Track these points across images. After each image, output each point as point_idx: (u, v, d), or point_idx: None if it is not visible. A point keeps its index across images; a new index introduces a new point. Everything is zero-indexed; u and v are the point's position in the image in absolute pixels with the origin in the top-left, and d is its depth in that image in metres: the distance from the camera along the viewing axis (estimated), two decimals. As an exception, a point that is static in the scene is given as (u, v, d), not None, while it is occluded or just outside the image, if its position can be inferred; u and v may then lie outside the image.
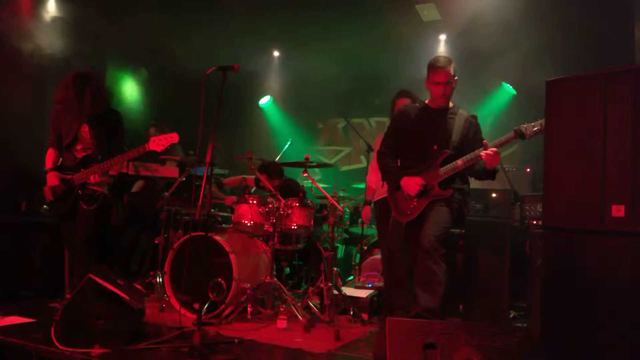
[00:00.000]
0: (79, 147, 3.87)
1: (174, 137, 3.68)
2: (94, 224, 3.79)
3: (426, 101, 3.58)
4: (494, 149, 3.15)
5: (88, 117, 3.85)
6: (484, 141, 3.21)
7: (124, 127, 4.03)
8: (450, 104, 3.52)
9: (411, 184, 3.34)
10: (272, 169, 5.04)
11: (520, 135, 3.08)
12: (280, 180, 5.09)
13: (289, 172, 6.47)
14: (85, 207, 3.78)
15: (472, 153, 3.25)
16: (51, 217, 3.90)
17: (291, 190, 4.87)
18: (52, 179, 3.83)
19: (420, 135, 3.48)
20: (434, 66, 3.41)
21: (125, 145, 3.93)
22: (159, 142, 3.67)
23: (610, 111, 2.64)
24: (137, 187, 5.55)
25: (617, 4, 5.27)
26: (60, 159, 3.96)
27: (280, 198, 4.32)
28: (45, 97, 5.61)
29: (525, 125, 3.04)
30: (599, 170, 2.64)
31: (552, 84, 2.88)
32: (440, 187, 3.30)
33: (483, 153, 3.17)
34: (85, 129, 3.86)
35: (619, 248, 2.54)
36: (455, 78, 3.45)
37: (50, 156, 3.94)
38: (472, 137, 3.42)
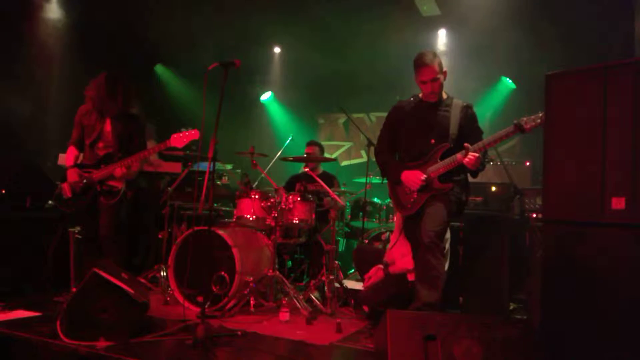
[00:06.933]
0: (100, 145, 3.95)
1: (195, 134, 3.73)
2: (116, 218, 3.88)
3: (420, 95, 3.53)
4: (475, 154, 3.11)
5: (112, 117, 3.93)
6: (465, 144, 3.15)
7: (145, 128, 4.12)
8: (444, 96, 3.48)
9: (412, 179, 3.33)
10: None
11: (519, 128, 3.03)
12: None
13: (290, 166, 6.51)
14: (105, 202, 3.86)
15: (461, 152, 3.19)
16: (70, 211, 3.96)
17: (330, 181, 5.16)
18: (73, 175, 3.91)
19: (416, 130, 3.44)
20: (417, 65, 3.36)
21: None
22: (180, 139, 3.73)
23: (610, 104, 2.64)
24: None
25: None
26: (81, 157, 4.02)
27: (283, 193, 4.35)
28: (49, 95, 5.66)
29: (524, 119, 2.99)
30: (599, 163, 2.64)
31: (552, 77, 2.88)
32: (440, 180, 3.30)
33: (465, 159, 3.13)
34: (107, 128, 3.94)
35: (619, 240, 2.55)
36: (444, 70, 3.40)
37: (70, 154, 4.01)
38: (469, 127, 3.39)
